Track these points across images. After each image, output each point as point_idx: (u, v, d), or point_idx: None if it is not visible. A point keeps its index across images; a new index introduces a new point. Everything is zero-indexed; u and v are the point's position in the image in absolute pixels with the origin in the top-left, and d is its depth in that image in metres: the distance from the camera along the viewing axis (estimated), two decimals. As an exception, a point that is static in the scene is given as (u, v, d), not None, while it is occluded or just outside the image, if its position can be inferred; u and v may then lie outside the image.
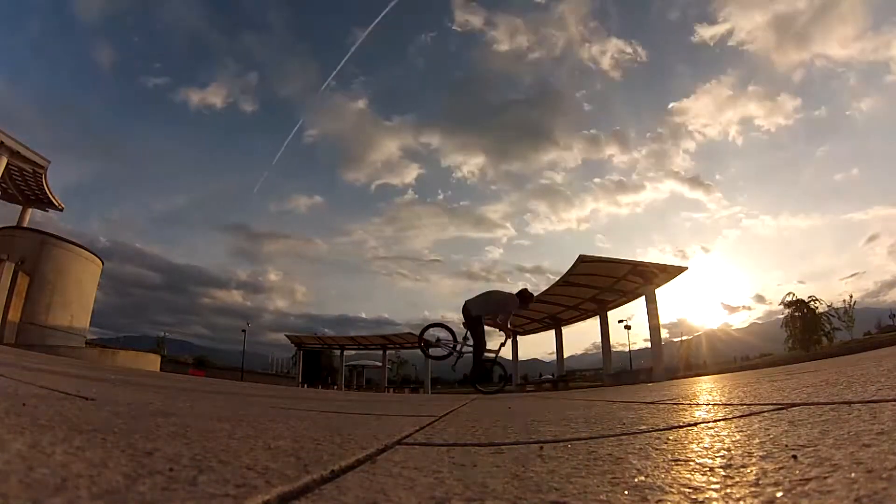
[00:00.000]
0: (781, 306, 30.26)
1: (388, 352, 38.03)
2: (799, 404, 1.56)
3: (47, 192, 23.43)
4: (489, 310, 7.82)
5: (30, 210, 24.34)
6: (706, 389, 3.57)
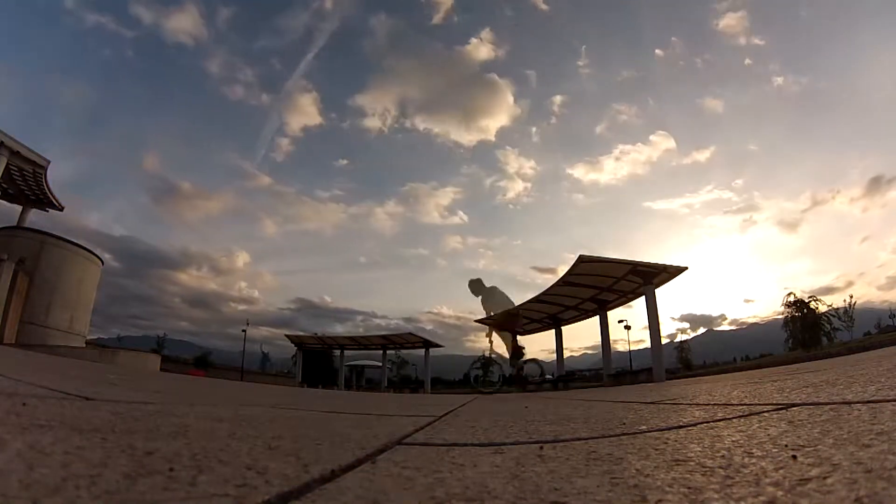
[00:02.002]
0: (783, 306, 30.28)
1: (388, 352, 38.02)
2: (799, 404, 1.56)
3: (48, 192, 23.43)
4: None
5: (30, 210, 24.35)
6: (706, 389, 3.57)
